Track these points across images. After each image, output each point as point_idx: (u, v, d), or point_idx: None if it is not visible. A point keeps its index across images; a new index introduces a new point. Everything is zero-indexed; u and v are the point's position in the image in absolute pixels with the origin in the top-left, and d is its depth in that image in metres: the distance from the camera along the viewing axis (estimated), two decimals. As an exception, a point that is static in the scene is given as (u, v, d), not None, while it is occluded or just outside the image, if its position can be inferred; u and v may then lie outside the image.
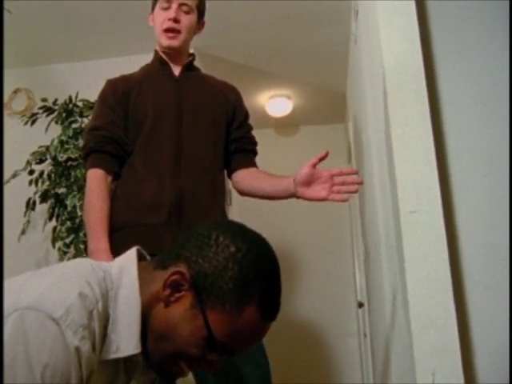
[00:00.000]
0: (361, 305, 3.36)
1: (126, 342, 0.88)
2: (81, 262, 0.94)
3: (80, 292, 0.83)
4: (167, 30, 1.81)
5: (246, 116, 1.95)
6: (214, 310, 0.87)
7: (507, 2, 1.47)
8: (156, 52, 1.91)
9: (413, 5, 1.46)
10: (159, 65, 1.89)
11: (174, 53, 1.87)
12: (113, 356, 0.87)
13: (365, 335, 3.38)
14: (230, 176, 1.93)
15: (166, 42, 1.83)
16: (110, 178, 1.74)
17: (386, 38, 1.47)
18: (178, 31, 1.82)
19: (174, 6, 1.81)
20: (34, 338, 0.77)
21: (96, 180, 1.71)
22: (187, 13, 1.83)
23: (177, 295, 0.89)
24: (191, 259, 0.90)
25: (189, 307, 0.88)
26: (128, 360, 0.91)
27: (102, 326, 0.85)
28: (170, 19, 1.80)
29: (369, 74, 2.18)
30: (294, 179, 1.69)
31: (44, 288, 0.83)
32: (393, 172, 1.39)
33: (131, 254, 0.97)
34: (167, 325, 0.89)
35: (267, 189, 1.81)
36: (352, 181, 1.64)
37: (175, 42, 1.83)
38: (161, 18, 1.82)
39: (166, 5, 1.82)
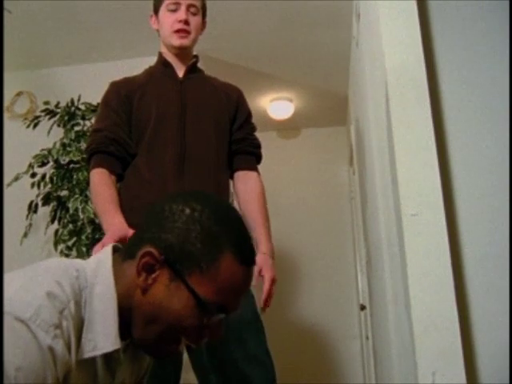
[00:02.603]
0: (363, 307, 3.36)
1: (103, 339, 0.87)
2: (53, 262, 0.92)
3: (48, 292, 0.82)
4: (178, 31, 1.82)
5: (249, 116, 1.94)
6: (192, 274, 0.87)
7: (507, 4, 1.47)
8: (160, 54, 1.92)
9: (414, 7, 1.47)
10: (163, 67, 1.89)
11: (183, 53, 1.88)
12: (89, 355, 0.86)
13: (367, 338, 3.37)
14: (230, 177, 1.93)
15: (177, 41, 1.84)
16: (113, 178, 1.74)
17: (388, 41, 1.47)
18: (188, 32, 1.84)
19: (183, 7, 1.82)
20: (5, 342, 0.75)
21: (100, 176, 1.71)
22: (194, 14, 1.86)
23: (153, 276, 0.88)
24: (154, 238, 0.89)
25: (168, 283, 0.88)
26: (108, 357, 0.90)
27: (76, 325, 0.84)
28: (180, 21, 1.81)
29: (370, 76, 2.18)
30: (257, 254, 1.71)
31: (14, 289, 0.82)
32: (395, 174, 1.39)
33: (107, 250, 0.96)
34: (153, 307, 0.88)
35: (247, 223, 1.80)
36: None
37: (186, 42, 1.84)
38: (170, 20, 1.83)
39: (173, 7, 1.83)
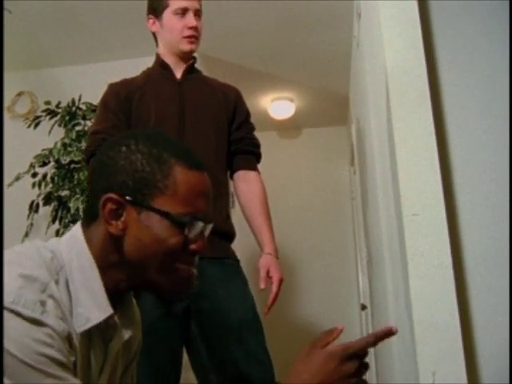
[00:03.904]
0: (364, 307, 3.36)
1: (95, 309, 0.87)
2: (26, 247, 0.92)
3: (24, 275, 0.81)
4: (189, 37, 1.83)
5: (247, 115, 1.95)
6: (154, 198, 0.89)
7: (507, 4, 1.47)
8: (157, 55, 1.92)
9: (415, 7, 1.47)
10: (161, 68, 1.89)
11: (188, 56, 1.89)
12: (84, 328, 0.86)
13: (368, 338, 3.36)
14: (231, 177, 1.93)
15: (188, 46, 1.85)
16: None
17: (389, 41, 1.47)
18: (196, 37, 1.87)
19: (191, 13, 1.83)
20: None
21: None
22: (200, 17, 1.88)
23: (122, 219, 0.89)
24: (106, 186, 0.91)
25: (138, 217, 0.89)
26: (103, 329, 0.91)
27: (61, 304, 0.84)
28: (191, 27, 1.83)
29: (371, 76, 2.18)
30: (262, 253, 1.75)
31: None
32: (395, 174, 1.39)
33: (77, 224, 0.97)
34: (137, 248, 0.89)
35: (249, 223, 1.84)
36: None
37: (195, 46, 1.88)
38: (179, 25, 1.83)
39: (181, 11, 1.83)
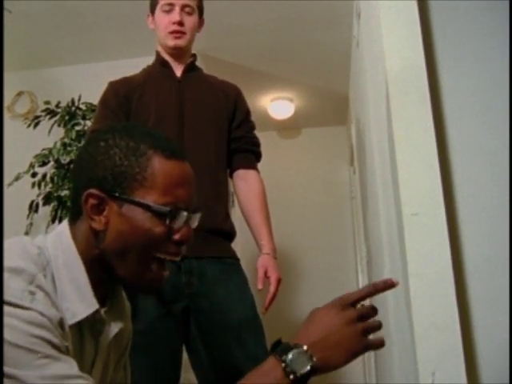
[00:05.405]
0: (363, 307, 3.35)
1: (80, 304, 0.88)
2: (13, 242, 0.92)
3: (11, 268, 0.81)
4: (173, 32, 1.82)
5: (247, 114, 1.94)
6: (134, 190, 0.89)
7: (507, 4, 1.47)
8: (157, 53, 1.92)
9: (415, 7, 1.47)
10: (161, 66, 1.89)
11: (179, 53, 1.87)
12: (71, 322, 0.86)
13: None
14: (230, 175, 1.92)
15: (172, 42, 1.84)
16: None
17: (389, 41, 1.47)
18: (183, 33, 1.84)
19: (177, 8, 1.82)
20: None
21: None
22: (190, 14, 1.85)
23: (104, 214, 0.90)
24: (87, 182, 0.91)
25: (120, 210, 0.90)
26: (91, 321, 0.91)
27: (49, 297, 0.84)
28: (174, 22, 1.81)
29: (371, 76, 2.18)
30: (260, 253, 1.76)
31: None
32: (395, 174, 1.39)
33: (64, 222, 0.97)
34: (119, 240, 0.90)
35: (248, 223, 1.84)
36: None
37: (181, 42, 1.85)
38: (165, 21, 1.83)
39: (168, 7, 1.83)
